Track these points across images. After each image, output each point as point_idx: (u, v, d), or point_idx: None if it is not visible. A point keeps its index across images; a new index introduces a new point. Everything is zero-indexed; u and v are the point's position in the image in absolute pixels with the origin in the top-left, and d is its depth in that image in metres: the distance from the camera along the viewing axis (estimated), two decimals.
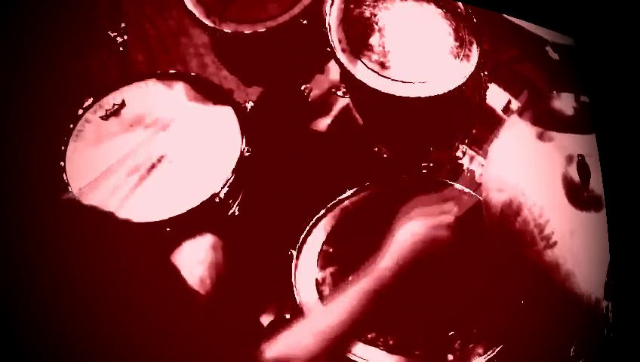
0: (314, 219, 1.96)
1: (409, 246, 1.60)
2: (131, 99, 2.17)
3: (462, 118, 2.11)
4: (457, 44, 1.98)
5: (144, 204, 1.94)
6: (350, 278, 1.68)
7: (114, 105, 2.14)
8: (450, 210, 1.70)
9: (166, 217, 1.90)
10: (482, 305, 1.79)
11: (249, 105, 2.24)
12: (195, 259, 1.84)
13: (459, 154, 2.21)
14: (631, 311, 1.55)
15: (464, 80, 1.91)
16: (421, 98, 1.89)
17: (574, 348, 1.66)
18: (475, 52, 1.96)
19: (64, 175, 1.99)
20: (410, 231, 1.62)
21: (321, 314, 1.60)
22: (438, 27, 2.00)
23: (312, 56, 2.28)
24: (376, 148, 2.23)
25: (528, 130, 1.82)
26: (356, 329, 1.56)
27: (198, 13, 2.16)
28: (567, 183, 1.74)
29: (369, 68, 1.93)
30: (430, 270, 1.66)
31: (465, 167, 2.24)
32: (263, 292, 2.15)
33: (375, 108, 2.08)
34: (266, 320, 2.07)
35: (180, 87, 2.21)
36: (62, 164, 2.01)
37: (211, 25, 2.16)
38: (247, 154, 2.04)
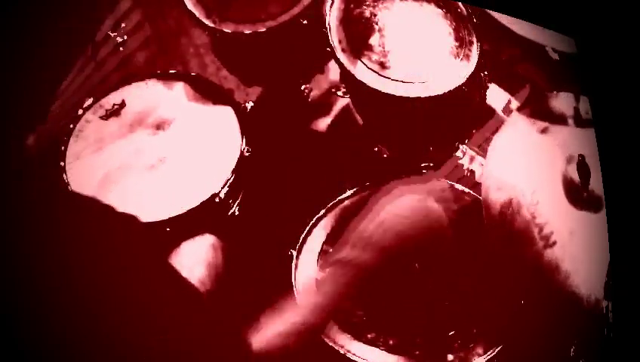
0: (314, 219, 1.96)
1: (395, 228, 1.40)
2: (131, 99, 2.17)
3: (462, 118, 2.11)
4: (457, 44, 1.98)
5: (144, 204, 1.94)
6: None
7: (114, 105, 2.14)
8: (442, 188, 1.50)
9: (166, 217, 1.90)
10: (482, 305, 1.79)
11: (249, 105, 2.24)
12: (195, 259, 1.84)
13: (459, 154, 2.21)
14: (631, 311, 1.55)
15: (464, 80, 1.92)
16: (421, 98, 1.89)
17: (574, 348, 1.66)
18: (475, 52, 1.96)
19: (64, 175, 1.99)
20: (396, 208, 1.41)
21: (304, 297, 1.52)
22: (438, 27, 2.00)
23: (312, 56, 2.28)
24: (376, 148, 2.23)
25: (528, 129, 1.82)
26: (335, 310, 1.43)
27: (198, 13, 2.16)
28: (567, 183, 1.74)
29: (369, 68, 1.93)
30: (428, 268, 1.66)
31: (465, 167, 2.24)
32: (262, 293, 2.15)
33: (375, 108, 2.08)
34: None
35: (179, 87, 2.21)
36: (62, 164, 2.01)
37: (211, 25, 2.16)
38: (247, 154, 2.04)
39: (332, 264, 1.42)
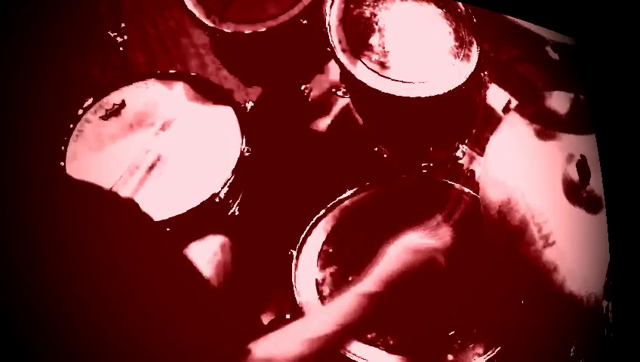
0: (314, 219, 1.96)
1: (399, 265, 1.53)
2: (131, 99, 2.17)
3: (462, 118, 2.11)
4: (457, 44, 1.98)
5: (144, 204, 1.93)
6: (345, 284, 1.65)
7: (114, 105, 2.14)
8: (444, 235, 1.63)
9: (166, 217, 1.90)
10: (482, 305, 1.79)
11: (249, 105, 2.24)
12: (205, 259, 1.84)
13: (459, 154, 2.21)
14: (631, 311, 1.55)
15: (464, 80, 1.91)
16: (421, 98, 1.89)
17: (574, 348, 1.66)
18: (475, 52, 1.96)
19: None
20: (402, 249, 1.56)
21: (314, 317, 1.58)
22: (438, 27, 2.00)
23: (312, 56, 2.28)
24: (376, 148, 2.23)
25: (528, 129, 1.82)
26: (346, 335, 1.53)
27: (198, 13, 2.16)
28: (567, 183, 1.73)
29: (369, 68, 1.93)
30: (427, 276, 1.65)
31: (465, 167, 2.24)
32: (263, 292, 2.16)
33: (375, 108, 2.08)
34: (266, 319, 2.07)
35: (179, 87, 2.21)
36: (62, 164, 2.01)
37: (211, 25, 2.16)
38: (247, 154, 2.04)
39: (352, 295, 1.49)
